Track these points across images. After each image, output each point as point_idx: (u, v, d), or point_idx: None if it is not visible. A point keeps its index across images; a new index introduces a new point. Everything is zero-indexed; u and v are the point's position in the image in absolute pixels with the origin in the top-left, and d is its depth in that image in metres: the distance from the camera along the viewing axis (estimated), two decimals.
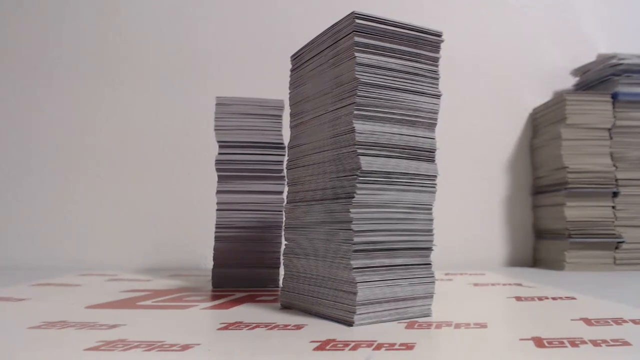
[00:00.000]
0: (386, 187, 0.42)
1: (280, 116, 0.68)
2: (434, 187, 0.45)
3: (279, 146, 0.68)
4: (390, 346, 0.33)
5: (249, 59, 1.03)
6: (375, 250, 0.42)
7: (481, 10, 1.10)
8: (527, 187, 1.08)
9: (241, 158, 0.67)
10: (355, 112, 0.41)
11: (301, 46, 0.50)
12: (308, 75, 0.49)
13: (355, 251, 0.40)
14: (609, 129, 0.93)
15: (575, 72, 1.07)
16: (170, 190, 1.00)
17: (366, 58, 0.42)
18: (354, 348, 0.32)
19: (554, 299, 0.53)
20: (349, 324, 0.40)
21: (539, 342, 0.33)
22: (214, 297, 0.56)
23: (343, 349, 0.32)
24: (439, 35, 0.45)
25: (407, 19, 0.43)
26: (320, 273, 0.44)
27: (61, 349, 0.33)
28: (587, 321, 0.40)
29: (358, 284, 0.40)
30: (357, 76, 0.41)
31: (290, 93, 0.52)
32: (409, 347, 0.33)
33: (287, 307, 0.49)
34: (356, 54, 0.41)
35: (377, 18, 0.42)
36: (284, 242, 0.51)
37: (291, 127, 0.51)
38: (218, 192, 0.67)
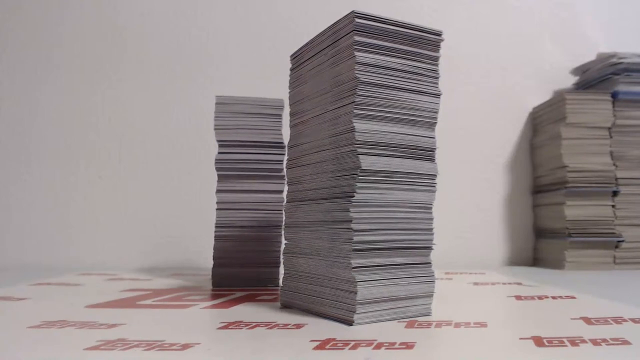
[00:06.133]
0: (386, 187, 0.42)
1: (280, 115, 0.68)
2: (433, 186, 0.45)
3: (278, 145, 0.68)
4: (390, 345, 0.33)
5: (249, 58, 1.03)
6: (375, 250, 0.42)
7: (481, 9, 1.10)
8: (527, 186, 1.08)
9: (241, 157, 0.67)
10: (355, 111, 0.41)
11: (301, 45, 0.50)
12: (308, 74, 0.49)
13: (355, 250, 0.40)
14: (609, 128, 0.93)
15: (575, 71, 1.07)
16: (171, 190, 1.00)
17: (366, 57, 0.42)
18: (354, 347, 0.32)
19: (553, 298, 0.53)
20: (349, 323, 0.40)
21: (538, 341, 0.33)
22: (214, 297, 0.56)
23: (343, 348, 0.32)
24: (439, 34, 0.45)
25: (407, 18, 0.43)
26: (320, 272, 0.44)
27: (61, 349, 0.33)
28: (587, 320, 0.40)
29: (358, 283, 0.40)
30: (356, 75, 0.41)
31: (290, 92, 0.52)
32: (409, 346, 0.33)
33: (287, 307, 0.49)
34: (356, 53, 0.41)
35: (376, 17, 0.42)
36: (283, 241, 0.51)
37: (291, 127, 0.51)
38: (218, 191, 0.67)
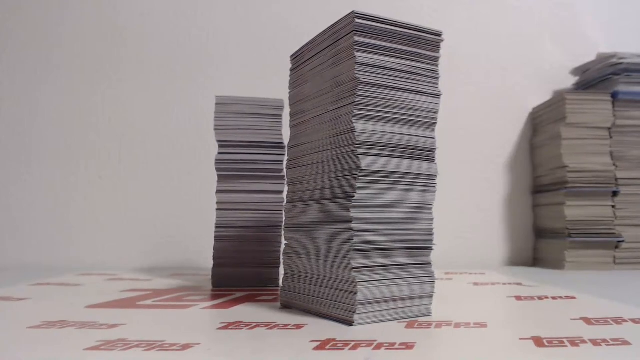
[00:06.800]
0: (386, 187, 0.42)
1: (280, 116, 0.68)
2: (433, 186, 0.45)
3: (278, 146, 0.68)
4: (390, 346, 0.33)
5: (249, 58, 1.03)
6: (375, 250, 0.42)
7: (481, 9, 1.10)
8: (527, 186, 1.08)
9: (241, 158, 0.67)
10: (355, 111, 0.41)
11: (301, 45, 0.50)
12: (308, 74, 0.49)
13: (355, 250, 0.40)
14: (609, 128, 0.93)
15: (575, 72, 1.07)
16: (171, 190, 1.00)
17: (366, 57, 0.42)
18: (354, 348, 0.32)
19: (553, 298, 0.53)
20: (349, 323, 0.40)
21: (538, 341, 0.33)
22: (214, 297, 0.56)
23: (343, 349, 0.32)
24: (438, 34, 0.45)
25: (407, 18, 0.43)
26: (320, 272, 0.44)
27: (61, 349, 0.33)
28: (587, 320, 0.40)
29: (358, 283, 0.40)
30: (357, 76, 0.41)
31: (290, 92, 0.52)
32: (408, 346, 0.33)
33: (287, 307, 0.49)
34: (356, 54, 0.41)
35: (376, 17, 0.42)
36: (283, 241, 0.51)
37: (291, 127, 0.51)
38: (218, 191, 0.67)
